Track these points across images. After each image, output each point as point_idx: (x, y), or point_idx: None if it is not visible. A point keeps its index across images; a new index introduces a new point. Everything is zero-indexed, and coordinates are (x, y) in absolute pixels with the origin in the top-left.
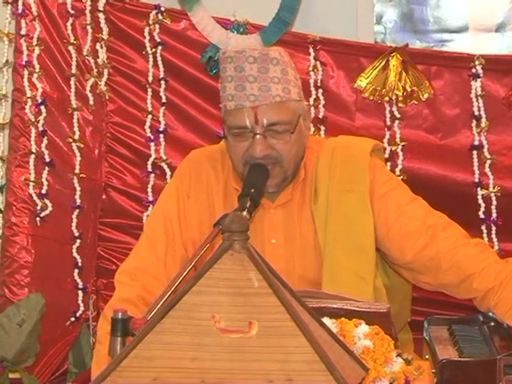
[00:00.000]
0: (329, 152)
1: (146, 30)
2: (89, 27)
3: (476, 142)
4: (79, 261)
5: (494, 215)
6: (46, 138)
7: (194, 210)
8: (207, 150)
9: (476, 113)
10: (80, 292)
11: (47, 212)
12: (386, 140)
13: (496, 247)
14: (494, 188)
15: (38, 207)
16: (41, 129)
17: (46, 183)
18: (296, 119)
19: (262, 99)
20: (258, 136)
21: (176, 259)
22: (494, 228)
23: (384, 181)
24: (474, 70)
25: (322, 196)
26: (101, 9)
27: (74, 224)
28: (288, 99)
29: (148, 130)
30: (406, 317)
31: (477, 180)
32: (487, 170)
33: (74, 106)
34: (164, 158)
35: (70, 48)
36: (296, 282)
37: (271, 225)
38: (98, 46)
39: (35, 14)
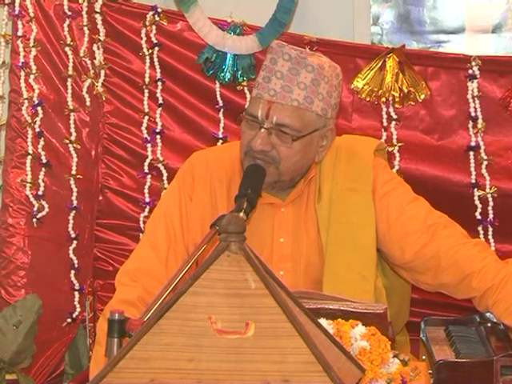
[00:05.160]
0: (333, 151)
1: (143, 31)
2: (85, 28)
3: (473, 143)
4: (76, 262)
5: (491, 216)
6: (42, 139)
7: (197, 212)
8: (209, 151)
9: (472, 114)
10: (76, 293)
11: (44, 213)
12: (382, 141)
13: (493, 248)
14: (490, 189)
15: (35, 208)
16: (37, 130)
17: (42, 184)
18: (308, 131)
19: (280, 97)
20: (262, 130)
21: (178, 261)
22: (490, 229)
23: (386, 180)
24: (470, 71)
25: (326, 195)
26: (97, 10)
27: (70, 225)
28: (306, 109)
29: (145, 131)
30: (404, 319)
31: (473, 181)
32: (484, 170)
33: (71, 107)
34: (161, 159)
35: (67, 49)
36: (301, 281)
37: (281, 224)
38: (94, 47)
39: (32, 15)
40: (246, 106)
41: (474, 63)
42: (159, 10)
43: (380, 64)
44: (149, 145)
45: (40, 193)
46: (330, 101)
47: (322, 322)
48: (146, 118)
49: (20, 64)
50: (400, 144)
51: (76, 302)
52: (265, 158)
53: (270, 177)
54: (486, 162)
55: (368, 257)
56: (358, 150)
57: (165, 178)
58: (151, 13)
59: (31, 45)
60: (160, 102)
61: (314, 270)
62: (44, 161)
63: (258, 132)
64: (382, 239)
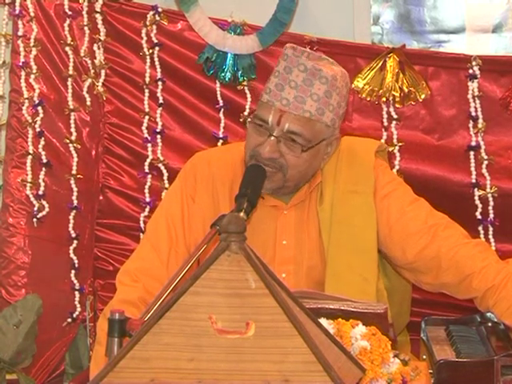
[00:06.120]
0: (334, 153)
1: (143, 31)
2: (86, 28)
3: (473, 143)
4: (76, 262)
5: (491, 216)
6: (42, 138)
7: (199, 213)
8: (211, 152)
9: (473, 113)
10: (77, 293)
11: (44, 213)
12: (383, 141)
13: (493, 248)
14: (490, 189)
15: (35, 208)
16: (38, 130)
17: (42, 184)
18: (317, 141)
19: (293, 107)
20: (272, 138)
21: (179, 262)
22: (491, 229)
23: (387, 181)
24: (470, 71)
25: (327, 197)
26: (98, 10)
27: (70, 225)
28: (318, 120)
29: (145, 131)
30: (405, 319)
31: (474, 181)
32: (484, 170)
33: (71, 106)
34: (161, 158)
35: (67, 49)
36: (303, 284)
37: (283, 226)
38: (95, 47)
39: (32, 14)
40: (247, 107)
41: (474, 63)
42: (160, 9)
43: (380, 64)
44: (149, 144)
45: (40, 192)
46: (339, 111)
47: (323, 321)
48: (147, 117)
49: (20, 64)
50: (400, 144)
51: (76, 302)
52: (272, 165)
53: (275, 183)
54: (486, 162)
55: (369, 259)
56: (358, 151)
57: (165, 177)
58: (152, 12)
59: (32, 44)
60: (160, 101)
61: (316, 272)
62: (44, 160)
63: (266, 139)
64: (383, 240)
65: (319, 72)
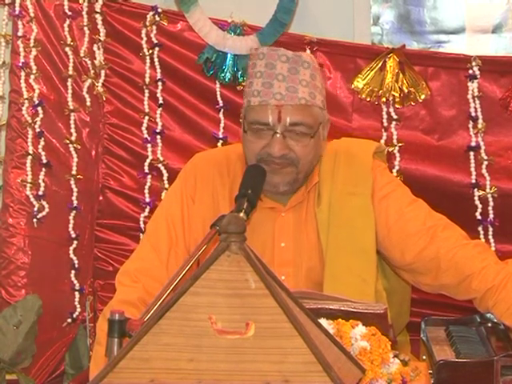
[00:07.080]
0: (331, 155)
1: (143, 32)
2: (86, 28)
3: (473, 143)
4: (76, 262)
5: (491, 216)
6: (42, 139)
7: (199, 214)
8: (211, 153)
9: (473, 114)
10: (77, 293)
11: (44, 213)
12: (382, 141)
13: (493, 248)
14: (490, 189)
15: (35, 208)
16: (38, 130)
17: (42, 184)
18: (317, 126)
19: (288, 99)
20: (277, 135)
21: (178, 262)
22: (490, 229)
23: (385, 183)
24: (470, 71)
25: (325, 199)
26: (98, 10)
27: (70, 225)
28: (313, 104)
29: (145, 132)
30: (404, 320)
31: (474, 181)
32: (484, 171)
33: (71, 107)
34: (161, 159)
35: (67, 49)
36: (302, 285)
37: (282, 228)
38: (95, 48)
39: (32, 15)
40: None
41: (474, 63)
42: (159, 10)
43: (380, 64)
44: (149, 145)
45: (40, 193)
46: (323, 91)
47: (323, 322)
48: (147, 118)
49: (20, 64)
50: (400, 144)
51: (76, 302)
52: (284, 162)
53: (288, 176)
54: (486, 162)
55: (368, 260)
56: (356, 153)
57: (165, 178)
58: (151, 13)
59: (31, 45)
60: (160, 102)
61: (315, 274)
62: (44, 161)
63: (272, 139)
64: (381, 242)
65: (300, 58)
